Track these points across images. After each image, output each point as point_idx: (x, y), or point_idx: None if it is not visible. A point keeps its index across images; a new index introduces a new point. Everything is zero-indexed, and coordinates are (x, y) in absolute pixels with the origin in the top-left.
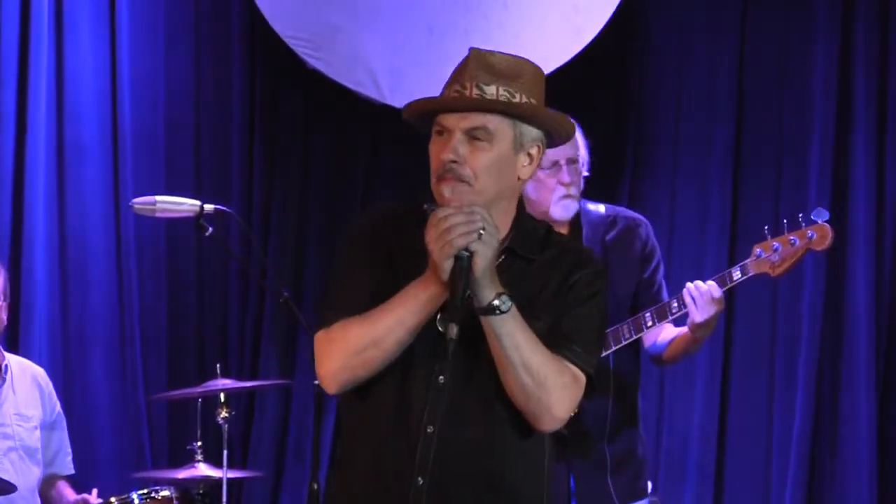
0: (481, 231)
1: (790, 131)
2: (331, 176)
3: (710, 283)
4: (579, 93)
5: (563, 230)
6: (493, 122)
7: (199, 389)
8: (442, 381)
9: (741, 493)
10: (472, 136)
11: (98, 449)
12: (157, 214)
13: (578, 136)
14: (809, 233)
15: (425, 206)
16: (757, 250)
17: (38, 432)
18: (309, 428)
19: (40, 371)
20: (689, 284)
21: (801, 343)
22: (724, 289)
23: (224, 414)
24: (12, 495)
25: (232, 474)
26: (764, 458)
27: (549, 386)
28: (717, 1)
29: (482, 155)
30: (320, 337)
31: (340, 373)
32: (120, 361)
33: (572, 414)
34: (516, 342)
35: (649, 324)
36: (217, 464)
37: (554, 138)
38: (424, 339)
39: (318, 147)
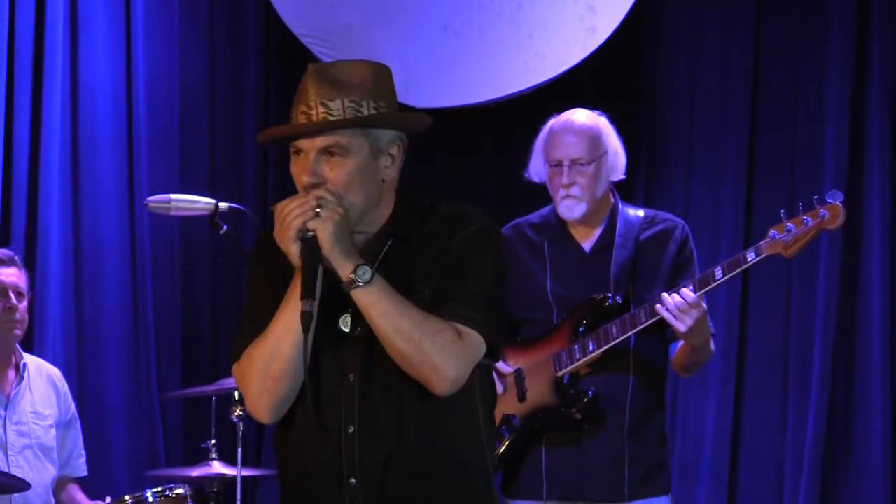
0: (317, 209)
1: (804, 131)
2: None
3: (684, 290)
4: (593, 92)
5: (587, 230)
6: (345, 137)
7: (213, 387)
8: (352, 379)
9: (755, 494)
10: (328, 152)
11: (112, 447)
12: (172, 213)
13: (602, 134)
14: (822, 212)
15: (271, 208)
16: (771, 232)
17: (53, 431)
18: None
19: (56, 371)
20: (664, 296)
21: (815, 343)
22: (739, 270)
23: (238, 412)
24: (27, 493)
25: (246, 472)
26: (778, 458)
27: (427, 348)
28: (731, 0)
29: (341, 170)
30: (235, 372)
31: (261, 399)
32: (134, 359)
33: (586, 394)
34: (383, 310)
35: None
36: (231, 462)
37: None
38: (329, 344)
39: None
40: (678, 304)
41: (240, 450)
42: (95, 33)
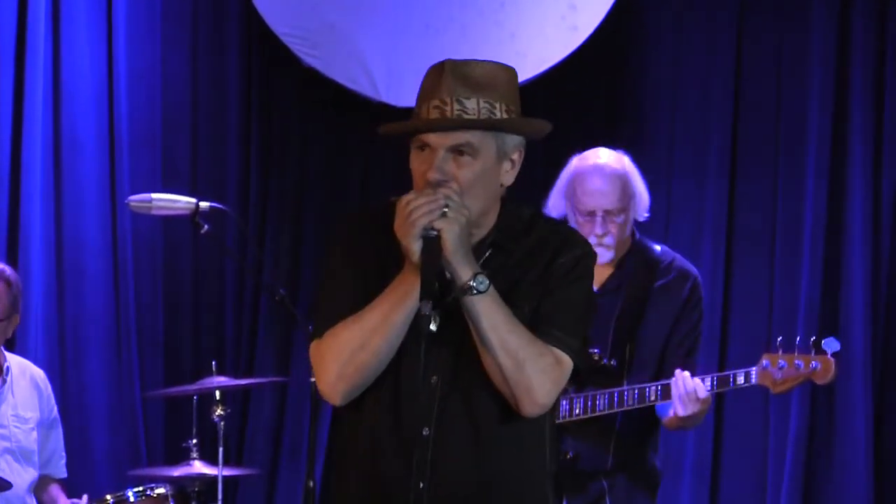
0: (445, 209)
1: (787, 129)
2: (327, 173)
3: (697, 381)
4: (575, 90)
5: (598, 268)
6: (477, 137)
7: (194, 387)
8: (434, 382)
9: (738, 494)
10: (457, 151)
11: (94, 446)
12: (154, 212)
13: (630, 177)
14: (814, 363)
15: (393, 199)
16: (764, 361)
17: (34, 434)
18: (304, 425)
19: (39, 373)
20: (677, 374)
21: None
22: (725, 389)
23: (220, 411)
24: (7, 493)
25: (227, 472)
26: (760, 457)
27: (528, 369)
28: None
29: (468, 170)
30: (313, 349)
31: (338, 384)
32: (116, 359)
33: (566, 455)
34: (493, 323)
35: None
36: (213, 461)
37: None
38: (415, 342)
39: (315, 144)
40: (689, 392)
41: (221, 449)
42: (77, 32)
